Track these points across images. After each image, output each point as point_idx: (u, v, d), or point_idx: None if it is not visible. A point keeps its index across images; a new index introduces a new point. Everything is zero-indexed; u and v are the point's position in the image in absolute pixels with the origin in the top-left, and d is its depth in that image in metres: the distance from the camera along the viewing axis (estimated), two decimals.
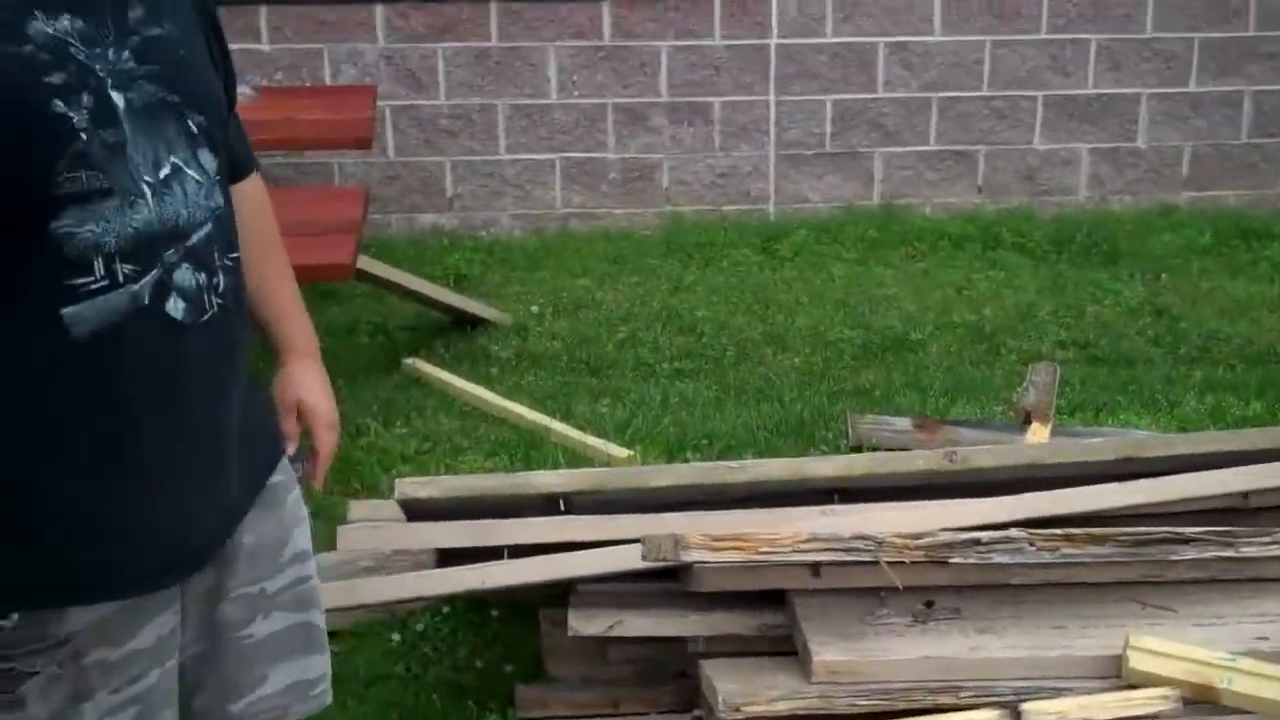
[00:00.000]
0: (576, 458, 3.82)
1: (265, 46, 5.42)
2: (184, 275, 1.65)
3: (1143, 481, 2.75)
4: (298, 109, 4.62)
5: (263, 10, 5.38)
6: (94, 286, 1.57)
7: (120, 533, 1.67)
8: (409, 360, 4.44)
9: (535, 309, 4.94)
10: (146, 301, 1.61)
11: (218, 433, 1.75)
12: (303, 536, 1.95)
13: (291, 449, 1.95)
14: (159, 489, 1.69)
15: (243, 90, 4.84)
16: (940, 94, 5.67)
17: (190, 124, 1.67)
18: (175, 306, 1.64)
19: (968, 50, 5.64)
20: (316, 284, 4.20)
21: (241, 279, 1.77)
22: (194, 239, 1.66)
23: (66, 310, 1.56)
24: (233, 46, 5.36)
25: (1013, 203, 5.80)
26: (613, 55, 5.56)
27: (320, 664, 1.99)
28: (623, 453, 3.80)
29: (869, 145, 5.71)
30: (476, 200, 5.70)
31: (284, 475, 1.92)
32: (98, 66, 1.57)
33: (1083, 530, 2.47)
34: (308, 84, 5.44)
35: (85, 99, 1.55)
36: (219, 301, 1.70)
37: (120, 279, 1.59)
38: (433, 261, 5.34)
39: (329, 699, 2.00)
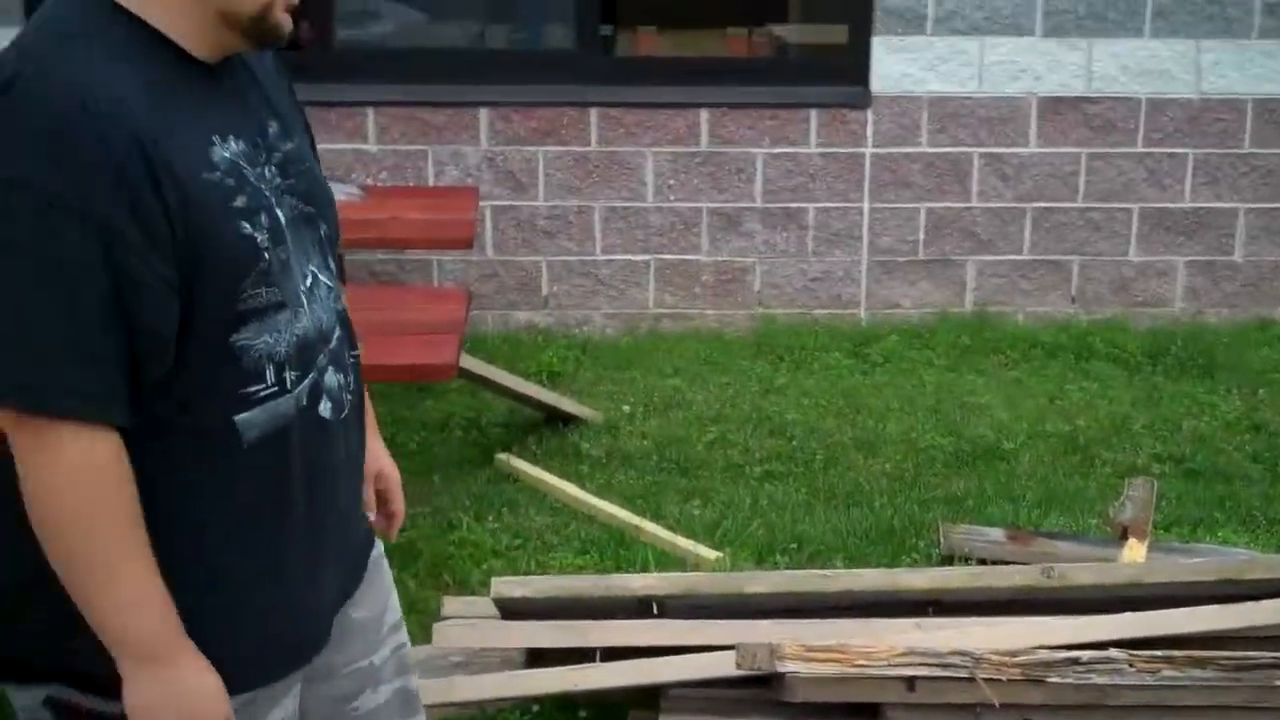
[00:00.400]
0: (666, 558, 3.84)
1: (372, 147, 5.57)
2: (329, 377, 1.75)
3: (1246, 604, 2.72)
4: (403, 209, 4.73)
5: (370, 112, 5.53)
6: (264, 394, 1.66)
7: (286, 614, 1.76)
8: (502, 455, 4.49)
9: (626, 408, 4.98)
10: (305, 404, 1.71)
11: (347, 517, 1.87)
12: (395, 604, 2.05)
13: (373, 516, 2.06)
14: (311, 574, 1.79)
15: (350, 190, 5.00)
16: (1035, 204, 5.69)
17: (320, 232, 1.79)
18: (324, 407, 1.74)
19: (1063, 162, 5.66)
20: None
21: (360, 374, 1.87)
22: (333, 342, 1.77)
23: (239, 417, 1.65)
24: (341, 146, 5.57)
25: (1107, 313, 5.78)
26: (709, 160, 5.65)
27: None
28: (712, 554, 3.82)
29: (962, 253, 5.73)
30: (571, 299, 5.78)
31: (379, 549, 2.01)
32: (263, 186, 1.67)
33: (1184, 653, 2.44)
34: (411, 184, 5.58)
35: (263, 219, 1.64)
36: (350, 399, 1.81)
37: (287, 385, 1.68)
38: (527, 358, 5.42)
39: None
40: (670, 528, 4.02)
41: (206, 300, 1.60)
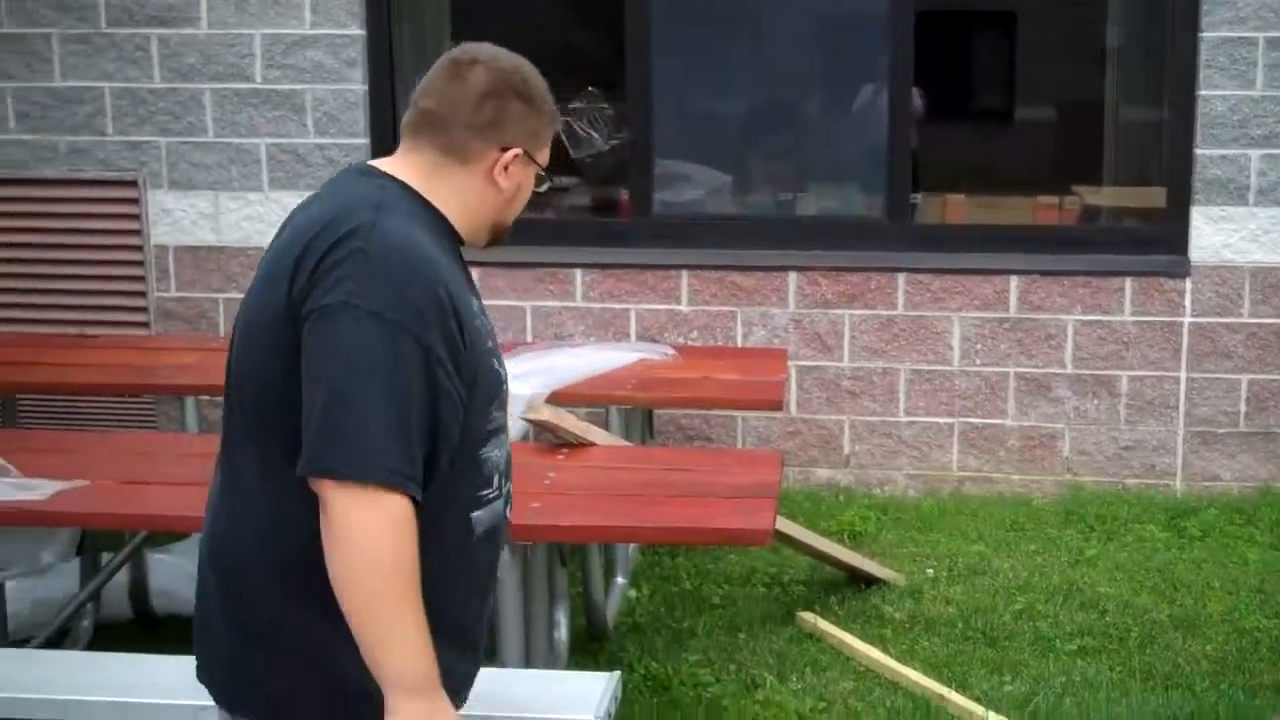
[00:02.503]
0: None
1: (684, 308, 5.78)
2: (510, 490, 2.23)
3: None
4: (714, 369, 4.87)
5: (684, 274, 5.75)
6: (491, 497, 2.14)
7: (454, 690, 2.13)
8: (805, 615, 4.51)
9: (930, 571, 4.94)
10: (501, 509, 2.19)
11: (491, 603, 2.30)
12: None
13: None
14: (475, 652, 2.23)
15: (663, 350, 5.19)
16: None
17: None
18: (509, 510, 2.23)
19: None
20: None
21: None
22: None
23: (474, 514, 2.12)
24: (656, 307, 5.84)
25: None
26: (1017, 327, 5.63)
27: None
28: None
29: None
30: (873, 458, 5.81)
31: None
32: (491, 335, 2.16)
33: None
34: (721, 343, 5.75)
35: (500, 361, 2.16)
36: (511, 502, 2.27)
37: (500, 491, 2.17)
38: (827, 516, 5.45)
39: None
40: (977, 700, 3.95)
41: (472, 417, 2.06)
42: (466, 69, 2.15)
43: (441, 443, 2.00)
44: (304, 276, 1.98)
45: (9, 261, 5.98)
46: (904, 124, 5.74)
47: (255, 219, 5.87)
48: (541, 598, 3.61)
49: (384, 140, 5.90)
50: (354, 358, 1.93)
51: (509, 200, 2.20)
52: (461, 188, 2.14)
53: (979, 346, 5.67)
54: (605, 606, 4.39)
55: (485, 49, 2.20)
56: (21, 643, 4.06)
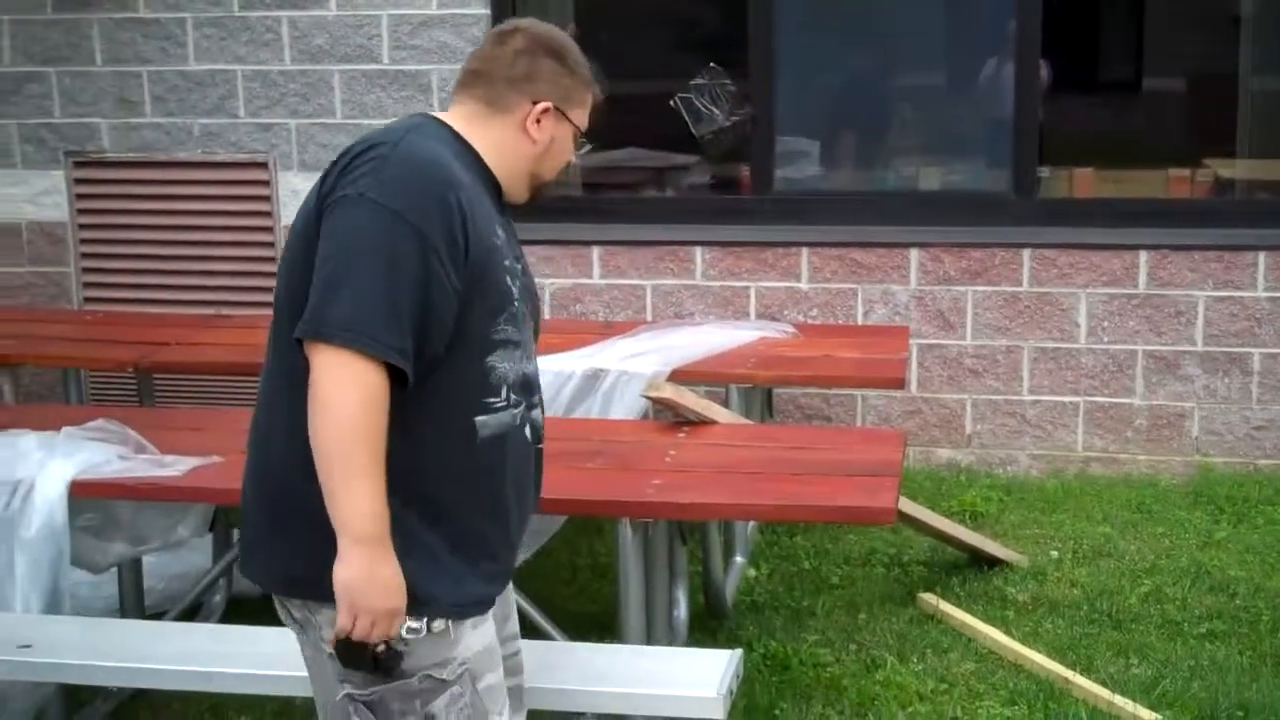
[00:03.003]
0: (1099, 716, 3.73)
1: (804, 285, 5.76)
2: (535, 415, 2.44)
3: None
4: (834, 347, 4.85)
5: (804, 251, 5.74)
6: (497, 405, 2.33)
7: (494, 553, 2.38)
8: (926, 596, 4.49)
9: (1054, 553, 4.89)
10: (517, 424, 2.37)
11: (524, 521, 2.49)
12: (516, 617, 2.66)
13: None
14: (496, 557, 2.40)
15: (783, 327, 5.18)
16: None
17: (535, 321, 2.49)
18: (527, 432, 2.42)
19: None
20: None
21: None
22: (538, 394, 2.46)
23: (477, 418, 2.31)
24: (775, 285, 5.84)
25: None
26: (1146, 303, 5.53)
27: None
28: (1150, 716, 3.68)
29: None
30: (995, 439, 5.75)
31: None
32: (514, 268, 2.37)
33: None
34: (840, 321, 5.72)
35: (515, 281, 2.36)
36: (541, 436, 2.48)
37: (511, 403, 2.35)
38: (949, 496, 5.41)
39: None
40: (1102, 683, 3.90)
41: (476, 322, 2.27)
42: (509, 35, 2.44)
43: (433, 327, 2.20)
44: (331, 180, 2.24)
45: (145, 243, 6.17)
46: (1032, 96, 5.64)
47: None
48: (661, 576, 3.64)
49: None
50: (355, 238, 2.16)
51: (542, 153, 2.43)
52: (498, 136, 2.39)
53: (1106, 323, 5.58)
54: (724, 585, 4.42)
55: (528, 20, 2.49)
56: (157, 616, 4.19)
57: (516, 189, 2.45)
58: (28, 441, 3.68)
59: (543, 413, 2.49)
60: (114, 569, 4.04)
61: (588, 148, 2.55)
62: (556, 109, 2.41)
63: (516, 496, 2.41)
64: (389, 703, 2.27)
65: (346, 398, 2.13)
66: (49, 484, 3.51)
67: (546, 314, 5.94)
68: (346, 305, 2.13)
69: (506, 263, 2.34)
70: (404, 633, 2.24)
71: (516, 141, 2.40)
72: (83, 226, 6.25)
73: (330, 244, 2.19)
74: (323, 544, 2.20)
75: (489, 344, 2.30)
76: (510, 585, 2.59)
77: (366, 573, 2.17)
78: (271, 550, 2.35)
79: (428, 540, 2.28)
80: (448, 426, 2.28)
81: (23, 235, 6.39)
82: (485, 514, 2.36)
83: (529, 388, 2.41)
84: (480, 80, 2.41)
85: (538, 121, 2.40)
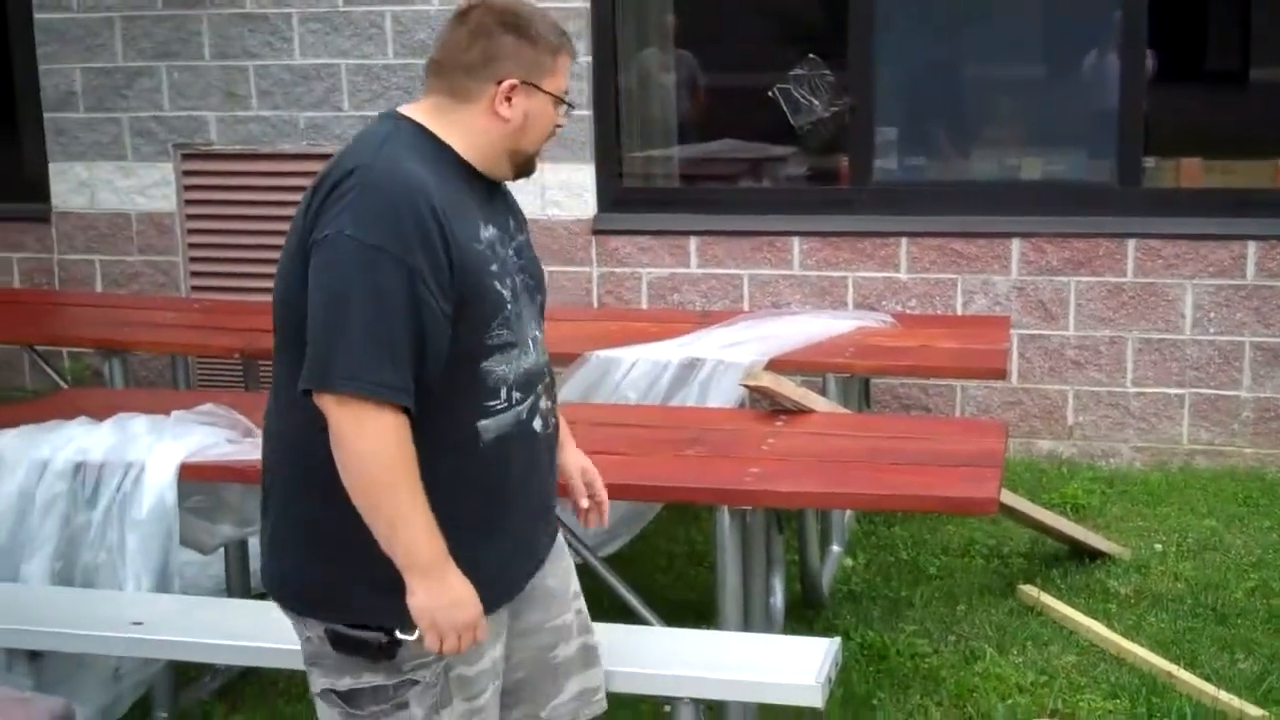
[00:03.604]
0: (1204, 711, 3.67)
1: (903, 276, 5.73)
2: (543, 403, 2.43)
3: None
4: (933, 337, 4.82)
5: (904, 241, 5.70)
6: (499, 408, 2.33)
7: (495, 564, 2.38)
8: (1026, 588, 4.45)
9: (1158, 546, 4.81)
10: (524, 418, 2.38)
11: (543, 507, 2.51)
12: (574, 577, 2.67)
13: (585, 503, 2.71)
14: (515, 541, 2.43)
15: (881, 318, 5.15)
16: None
17: (537, 302, 2.47)
18: (536, 423, 2.41)
19: None
20: None
21: (557, 404, 2.53)
22: (546, 379, 2.45)
23: (480, 423, 2.31)
24: (873, 275, 5.79)
25: None
26: (1254, 294, 5.42)
27: (599, 675, 2.70)
28: (1257, 713, 3.62)
29: None
30: (1098, 430, 5.67)
31: (560, 537, 2.65)
32: (507, 261, 2.35)
33: None
34: (940, 312, 5.68)
35: (508, 281, 2.33)
36: (553, 421, 2.50)
37: (513, 403, 2.35)
38: (1050, 488, 5.35)
39: (605, 705, 2.71)
40: (1206, 678, 3.84)
41: (469, 333, 2.26)
42: (464, 16, 2.37)
43: (429, 353, 2.20)
44: (313, 212, 2.23)
45: (250, 233, 6.29)
46: (1137, 85, 5.56)
47: None
48: (759, 564, 3.64)
49: (605, 111, 6.00)
50: (344, 282, 2.17)
51: (518, 130, 2.36)
52: (468, 125, 2.34)
53: (1213, 315, 5.48)
54: (821, 574, 4.41)
55: None
56: (262, 596, 4.26)
57: (499, 170, 2.41)
58: (138, 425, 3.77)
59: (553, 397, 2.49)
60: (221, 550, 4.12)
61: (569, 111, 2.45)
62: (525, 83, 2.34)
63: (525, 491, 2.43)
64: (363, 694, 2.33)
65: (369, 447, 2.16)
66: (159, 466, 3.60)
67: (643, 304, 5.96)
68: (346, 354, 2.15)
69: (494, 267, 2.30)
70: (399, 634, 2.29)
71: (488, 125, 2.34)
72: (190, 217, 6.39)
73: (321, 289, 2.19)
74: (303, 557, 2.32)
75: (484, 350, 2.29)
76: (564, 549, 2.65)
77: (438, 598, 2.23)
78: (268, 553, 2.43)
79: (471, 546, 2.30)
80: (451, 435, 2.29)
81: (133, 226, 6.55)
82: (493, 516, 2.37)
83: (532, 380, 2.40)
84: (441, 70, 2.36)
85: (507, 100, 2.33)
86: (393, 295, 2.16)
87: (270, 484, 2.40)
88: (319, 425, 2.20)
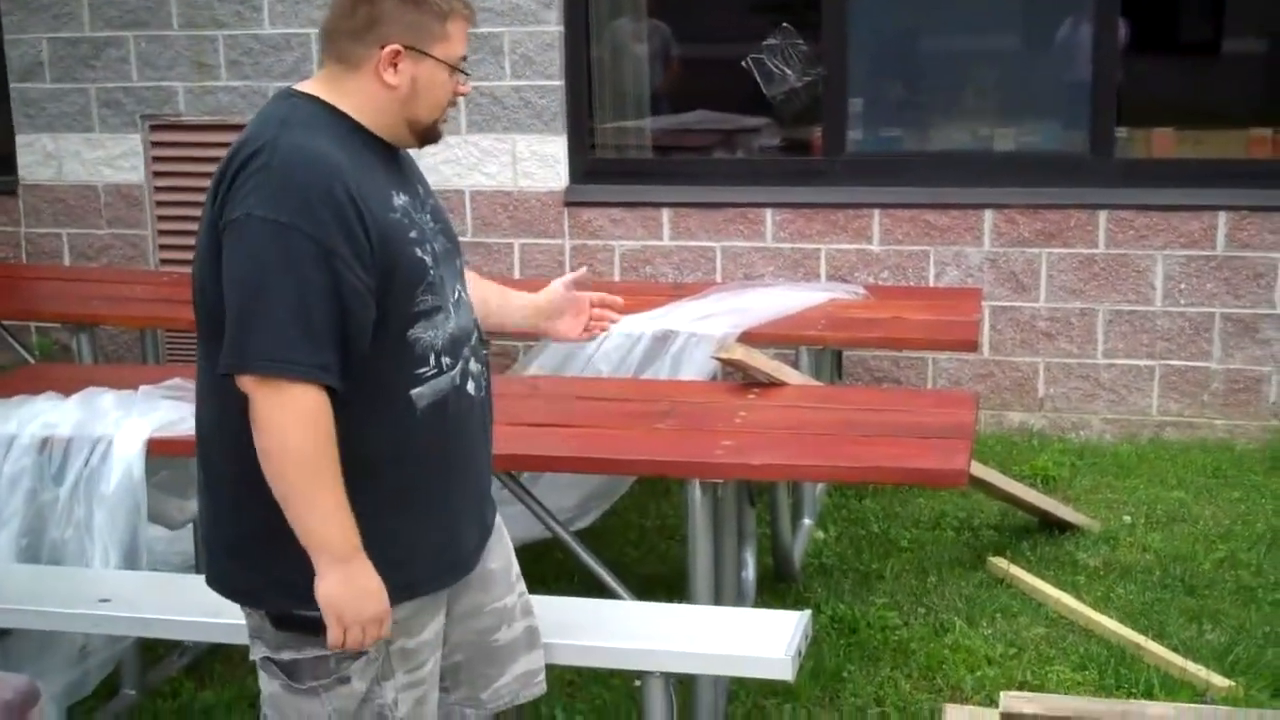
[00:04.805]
0: (1172, 682, 3.70)
1: (875, 247, 5.72)
2: (473, 365, 2.41)
3: None
4: (905, 309, 4.82)
5: (876, 213, 5.70)
6: (429, 374, 2.31)
7: (430, 553, 2.37)
8: (996, 560, 4.47)
9: (1127, 518, 4.84)
10: (458, 383, 2.36)
11: (482, 479, 2.50)
12: (515, 560, 2.66)
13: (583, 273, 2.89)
14: (457, 517, 2.41)
15: (853, 289, 5.15)
16: None
17: (457, 263, 2.45)
18: (468, 386, 2.39)
19: None
20: None
21: (489, 366, 2.52)
22: (473, 340, 2.42)
23: (413, 391, 2.29)
24: (846, 246, 5.77)
25: None
26: (1225, 265, 5.44)
27: (540, 658, 2.69)
28: (1223, 683, 3.65)
29: None
30: (1068, 402, 5.69)
31: (499, 516, 2.62)
32: (424, 226, 2.33)
33: None
34: (912, 283, 5.68)
35: (427, 247, 2.31)
36: (485, 383, 2.46)
37: (443, 368, 2.33)
38: (1020, 460, 5.37)
39: (545, 687, 2.71)
40: (1174, 649, 3.87)
41: (394, 302, 2.24)
42: None
43: (353, 329, 2.19)
44: (222, 195, 2.21)
45: None
46: (1110, 55, 5.56)
47: (453, 162, 6.00)
48: (730, 537, 3.64)
49: (577, 81, 5.96)
50: (257, 263, 2.15)
51: (407, 97, 2.31)
52: (360, 92, 2.30)
53: (1183, 286, 5.50)
54: (792, 547, 4.42)
55: None
56: None
57: (401, 139, 2.36)
58: (106, 400, 3.75)
59: (483, 358, 2.46)
60: (189, 525, 4.10)
61: (464, 77, 2.39)
62: (410, 49, 2.28)
63: (466, 459, 2.41)
64: (304, 666, 2.33)
65: (286, 427, 2.15)
66: (127, 441, 3.58)
67: (615, 276, 5.95)
68: (263, 334, 2.13)
69: (413, 234, 2.28)
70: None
71: (376, 93, 2.29)
72: (159, 189, 6.33)
73: (234, 271, 2.17)
74: (231, 549, 2.33)
75: (409, 318, 2.27)
76: (503, 529, 2.63)
77: (347, 587, 2.21)
78: (213, 543, 2.41)
79: (378, 526, 2.27)
80: (386, 408, 2.27)
81: (100, 198, 6.49)
82: (435, 487, 2.35)
83: (459, 343, 2.37)
84: (330, 39, 2.33)
85: (393, 66, 2.28)
86: (306, 272, 2.14)
87: (205, 479, 2.38)
88: (244, 410, 2.19)
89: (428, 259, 2.30)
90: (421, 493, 2.34)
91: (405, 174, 2.39)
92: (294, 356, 2.13)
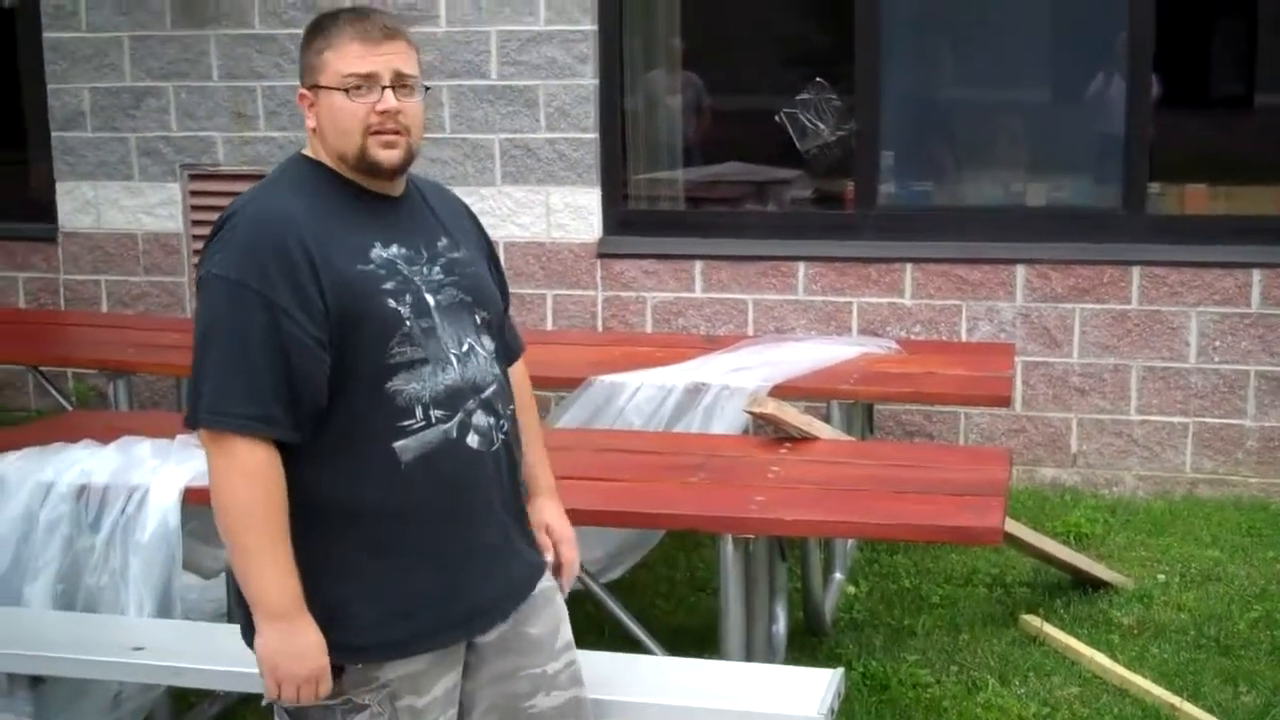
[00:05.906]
0: None
1: (907, 301, 5.72)
2: (479, 418, 2.36)
3: None
4: (938, 364, 4.81)
5: (908, 267, 5.70)
6: (415, 427, 2.29)
7: (429, 606, 2.33)
8: (1029, 618, 4.43)
9: (1161, 577, 4.80)
10: (453, 436, 2.32)
11: (500, 528, 2.43)
12: (568, 629, 2.59)
13: (549, 557, 2.61)
14: (458, 571, 2.37)
15: (885, 343, 5.15)
16: None
17: (477, 317, 2.42)
18: (468, 439, 2.35)
19: None
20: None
21: (516, 424, 2.50)
22: (486, 393, 2.38)
23: (397, 444, 2.28)
24: (877, 300, 5.78)
25: None
26: (1259, 322, 5.42)
27: None
28: None
29: None
30: (1102, 459, 5.66)
31: (552, 582, 2.59)
32: (416, 278, 2.33)
33: None
34: (944, 338, 5.67)
35: (407, 299, 2.30)
36: (502, 437, 2.42)
37: (432, 420, 2.30)
38: (1053, 516, 5.34)
39: None
40: (1210, 710, 3.83)
41: (364, 354, 2.25)
42: None
43: (303, 386, 2.22)
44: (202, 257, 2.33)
45: None
46: (1143, 110, 5.57)
47: (487, 213, 6.04)
48: (762, 592, 3.63)
49: (611, 134, 6.01)
50: (209, 320, 2.24)
51: (325, 133, 2.35)
52: (314, 143, 2.40)
53: (1218, 343, 5.47)
54: (824, 602, 4.40)
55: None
56: None
57: (359, 178, 2.37)
58: (143, 448, 3.78)
59: (499, 411, 2.41)
60: (222, 574, 4.11)
61: (377, 89, 2.34)
62: (310, 88, 2.37)
63: (464, 513, 2.38)
64: (312, 714, 2.34)
65: (229, 479, 2.21)
66: (163, 490, 3.60)
67: (648, 327, 5.96)
68: (210, 389, 2.21)
69: (389, 285, 2.29)
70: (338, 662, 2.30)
71: (316, 140, 2.39)
72: (197, 238, 6.40)
73: (196, 327, 2.27)
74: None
75: (385, 370, 2.28)
76: (555, 596, 2.57)
77: (281, 645, 2.24)
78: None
79: (367, 577, 2.30)
80: (368, 460, 2.28)
81: (139, 246, 6.56)
82: (425, 542, 2.34)
83: (460, 395, 2.34)
84: None
85: (310, 111, 2.37)
86: (251, 329, 2.20)
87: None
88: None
89: (404, 310, 2.30)
90: (413, 545, 2.33)
91: (405, 224, 2.40)
92: (234, 410, 2.19)
